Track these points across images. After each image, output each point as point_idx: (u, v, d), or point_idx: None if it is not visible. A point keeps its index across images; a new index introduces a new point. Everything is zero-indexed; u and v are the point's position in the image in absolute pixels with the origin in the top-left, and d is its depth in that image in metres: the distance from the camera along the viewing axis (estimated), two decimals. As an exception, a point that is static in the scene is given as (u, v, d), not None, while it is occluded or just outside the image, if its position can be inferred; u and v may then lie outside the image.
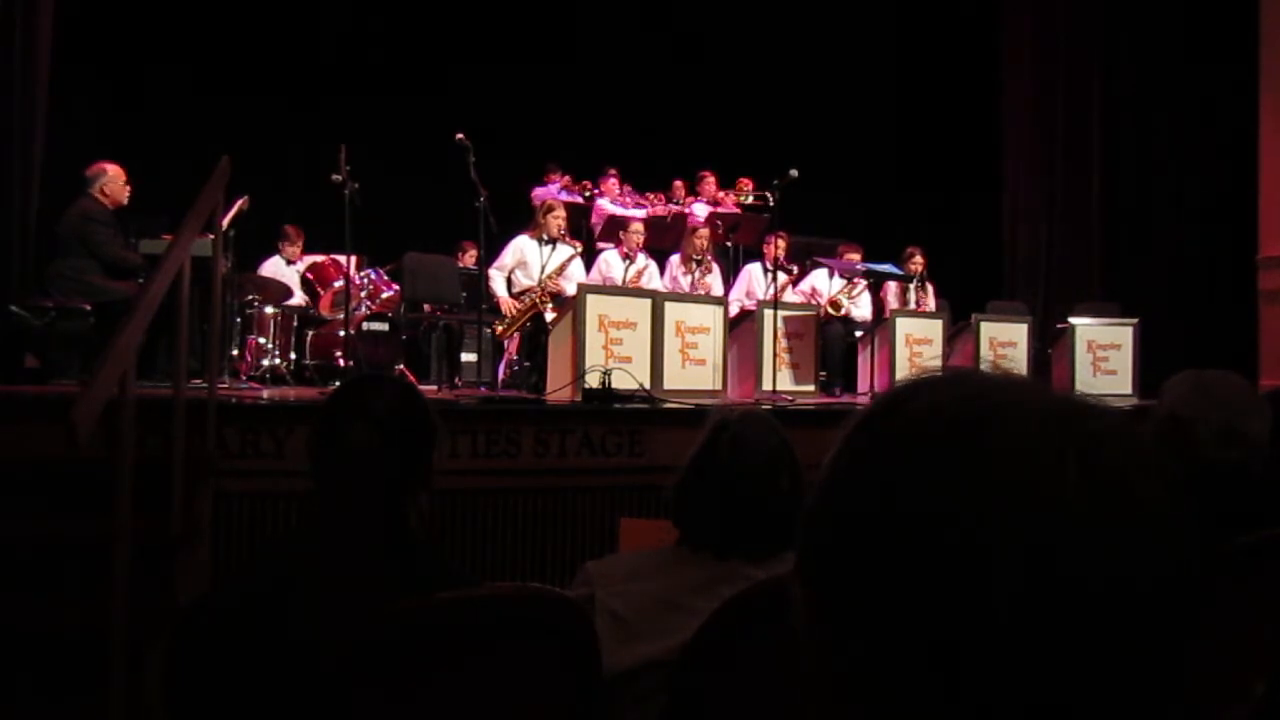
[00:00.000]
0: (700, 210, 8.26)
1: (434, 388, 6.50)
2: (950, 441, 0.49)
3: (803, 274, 7.48)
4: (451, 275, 7.01)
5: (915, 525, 0.48)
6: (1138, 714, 0.47)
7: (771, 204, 7.73)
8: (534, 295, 6.21)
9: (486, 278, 6.23)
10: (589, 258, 6.93)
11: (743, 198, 8.44)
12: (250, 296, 6.51)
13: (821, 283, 7.36)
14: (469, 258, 7.78)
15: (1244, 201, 7.94)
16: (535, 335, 6.12)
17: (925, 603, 0.47)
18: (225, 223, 5.03)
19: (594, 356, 5.28)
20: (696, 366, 5.83)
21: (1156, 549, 0.48)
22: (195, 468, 3.49)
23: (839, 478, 0.53)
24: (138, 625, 2.58)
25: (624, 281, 6.53)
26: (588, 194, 8.20)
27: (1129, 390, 6.95)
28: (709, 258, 7.01)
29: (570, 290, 5.96)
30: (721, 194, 8.48)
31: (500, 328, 6.33)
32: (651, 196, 8.49)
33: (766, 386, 6.00)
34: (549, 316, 6.01)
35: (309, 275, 6.78)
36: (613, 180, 8.39)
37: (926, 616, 0.47)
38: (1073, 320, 7.38)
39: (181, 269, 3.24)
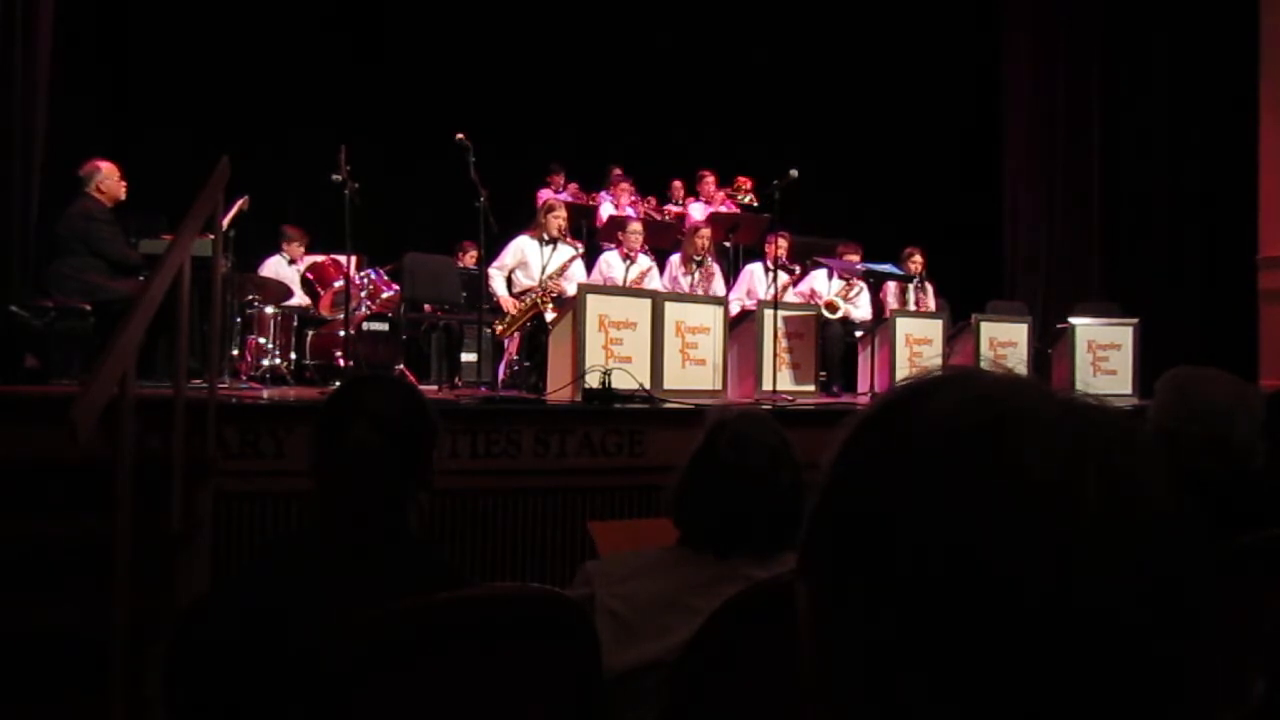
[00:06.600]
0: (697, 211, 8.26)
1: (434, 388, 6.50)
2: (961, 447, 0.49)
3: (804, 274, 7.48)
4: (451, 275, 7.01)
5: (923, 530, 0.48)
6: (1140, 715, 0.47)
7: (758, 202, 7.75)
8: (535, 295, 6.20)
9: (486, 277, 6.23)
10: (590, 258, 6.93)
11: (741, 197, 8.45)
12: (250, 296, 6.52)
13: (820, 284, 7.36)
14: (469, 258, 7.78)
15: (1244, 201, 7.94)
16: (535, 335, 6.12)
17: (931, 607, 0.47)
18: (225, 223, 5.03)
19: (594, 356, 5.28)
20: (696, 366, 5.83)
21: (1170, 554, 0.48)
22: (195, 468, 3.49)
23: (844, 480, 0.53)
24: (138, 625, 2.58)
25: (625, 282, 6.52)
26: (593, 205, 8.22)
27: (1129, 390, 6.95)
28: (709, 258, 7.02)
29: (571, 291, 5.96)
30: (719, 193, 8.48)
31: (500, 327, 6.32)
32: (667, 209, 8.52)
33: (766, 386, 6.00)
34: (549, 316, 6.01)
35: (309, 275, 6.78)
36: (625, 185, 8.39)
37: (931, 620, 0.47)
38: (1073, 320, 7.38)
39: (181, 269, 3.24)
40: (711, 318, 5.99)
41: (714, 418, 1.79)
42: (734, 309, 6.66)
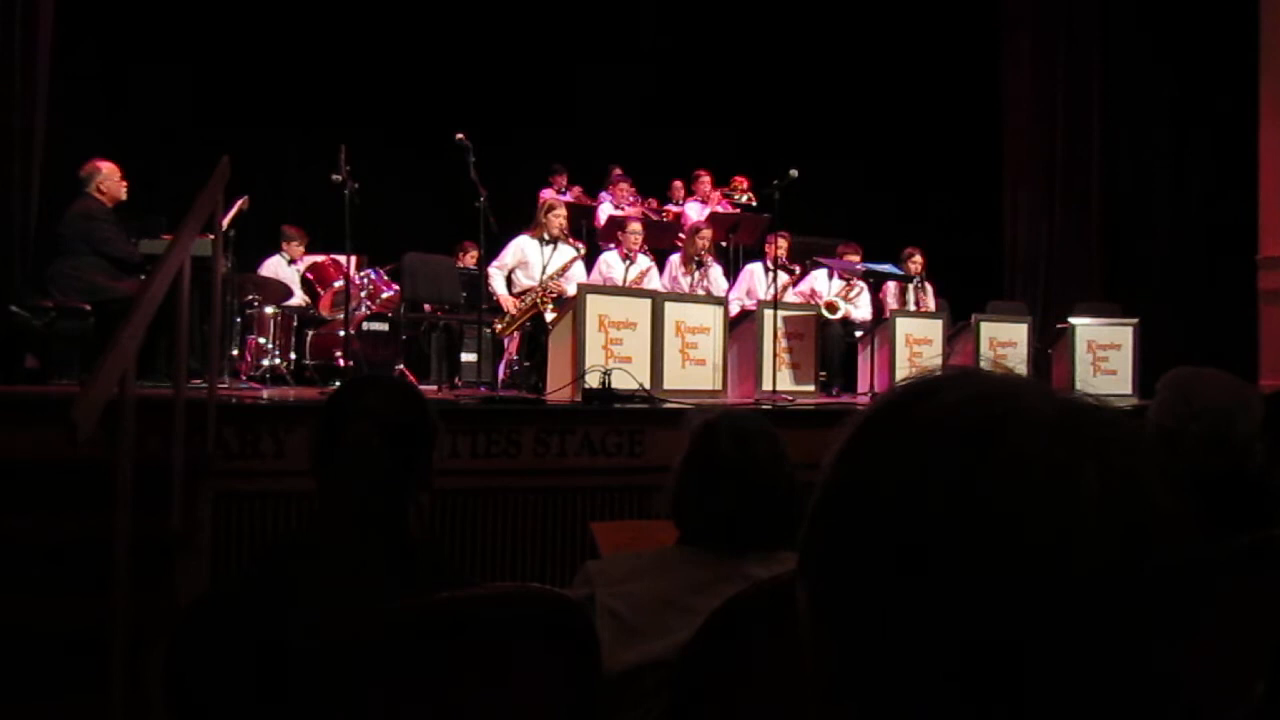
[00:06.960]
0: (694, 211, 8.25)
1: (434, 388, 6.50)
2: (961, 447, 0.49)
3: (804, 274, 7.48)
4: (451, 275, 7.01)
5: (923, 531, 0.48)
6: (1139, 716, 0.47)
7: (755, 201, 7.74)
8: (535, 295, 6.20)
9: (486, 276, 6.23)
10: (590, 258, 6.93)
11: (738, 197, 8.45)
12: (250, 296, 6.51)
13: (821, 284, 7.36)
14: (469, 258, 7.79)
15: (1244, 201, 7.94)
16: (535, 335, 6.12)
17: (930, 607, 0.47)
18: (225, 223, 5.03)
19: (594, 356, 5.28)
20: (696, 366, 5.83)
21: (1170, 554, 0.48)
22: (195, 468, 3.49)
23: (843, 480, 0.53)
24: (138, 625, 2.58)
25: (625, 282, 6.52)
26: (595, 205, 8.24)
27: (1129, 390, 6.95)
28: (709, 258, 7.02)
29: (572, 292, 5.96)
30: (715, 192, 8.48)
31: (500, 325, 6.33)
32: (667, 209, 8.52)
33: (766, 386, 6.00)
34: (549, 316, 6.01)
35: (309, 275, 6.78)
36: (624, 186, 8.39)
37: (931, 621, 0.47)
38: (1073, 320, 7.38)
39: (181, 269, 3.24)
40: (711, 318, 5.99)
41: (700, 419, 1.79)
42: (734, 309, 6.66)
